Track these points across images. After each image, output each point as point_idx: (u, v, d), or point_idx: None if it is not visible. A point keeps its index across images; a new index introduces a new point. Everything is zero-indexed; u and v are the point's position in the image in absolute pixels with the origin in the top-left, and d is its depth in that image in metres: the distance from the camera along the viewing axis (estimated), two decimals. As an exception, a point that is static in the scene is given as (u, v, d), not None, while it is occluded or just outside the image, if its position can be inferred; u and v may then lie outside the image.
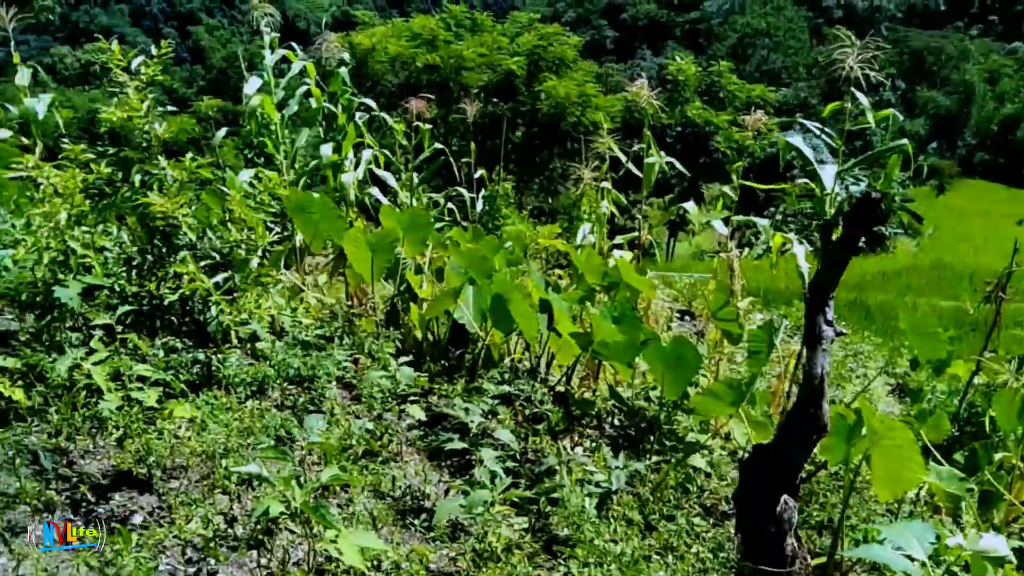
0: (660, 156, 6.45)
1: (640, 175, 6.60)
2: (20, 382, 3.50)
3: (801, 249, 5.65)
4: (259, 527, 2.68)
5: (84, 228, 3.79)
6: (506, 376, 5.06)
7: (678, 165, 6.79)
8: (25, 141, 6.45)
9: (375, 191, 7.61)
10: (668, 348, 4.34)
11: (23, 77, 6.25)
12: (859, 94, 5.13)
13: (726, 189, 6.58)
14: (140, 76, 4.02)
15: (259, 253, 4.63)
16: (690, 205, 6.72)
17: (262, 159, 7.39)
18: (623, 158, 6.62)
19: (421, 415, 4.30)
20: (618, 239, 6.89)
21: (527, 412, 4.67)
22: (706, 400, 4.14)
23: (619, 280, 5.53)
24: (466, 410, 4.02)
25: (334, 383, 4.31)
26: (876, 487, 3.71)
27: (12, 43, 6.17)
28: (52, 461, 3.15)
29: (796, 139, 5.62)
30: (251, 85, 6.12)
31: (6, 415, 3.51)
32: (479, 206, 8.15)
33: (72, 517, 3.07)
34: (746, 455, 5.09)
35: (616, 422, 5.33)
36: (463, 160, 8.19)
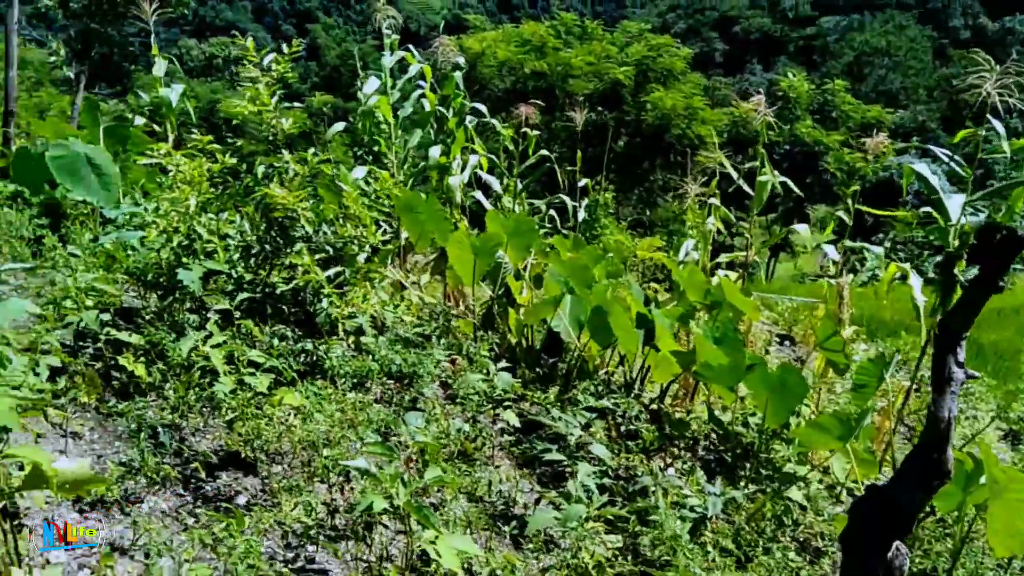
0: (774, 175, 6.27)
1: (749, 192, 6.44)
2: (142, 358, 3.68)
3: (918, 280, 5.38)
4: (359, 520, 2.73)
5: (210, 215, 3.96)
6: (600, 389, 5.02)
7: (792, 186, 6.58)
8: (156, 128, 6.82)
9: (478, 194, 7.68)
10: (774, 375, 4.21)
11: (160, 68, 6.59)
12: (995, 122, 4.85)
13: (840, 213, 6.35)
14: (271, 72, 4.18)
15: (369, 250, 4.74)
16: (802, 228, 6.50)
17: (370, 157, 7.57)
18: (735, 174, 6.47)
19: (515, 421, 4.30)
20: (723, 258, 6.73)
21: (621, 428, 4.61)
22: (812, 432, 3.99)
23: (722, 300, 5.40)
24: (564, 422, 3.99)
25: (435, 382, 4.35)
26: (992, 540, 3.49)
27: (153, 36, 6.52)
28: (168, 437, 3.29)
29: (921, 166, 5.36)
30: (370, 85, 6.27)
31: (127, 388, 3.70)
32: (580, 215, 8.10)
33: (182, 492, 3.21)
34: (848, 491, 4.91)
35: (709, 444, 5.20)
36: (568, 168, 8.17)
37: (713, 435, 5.22)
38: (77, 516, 2.83)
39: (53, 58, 11.11)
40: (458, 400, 4.47)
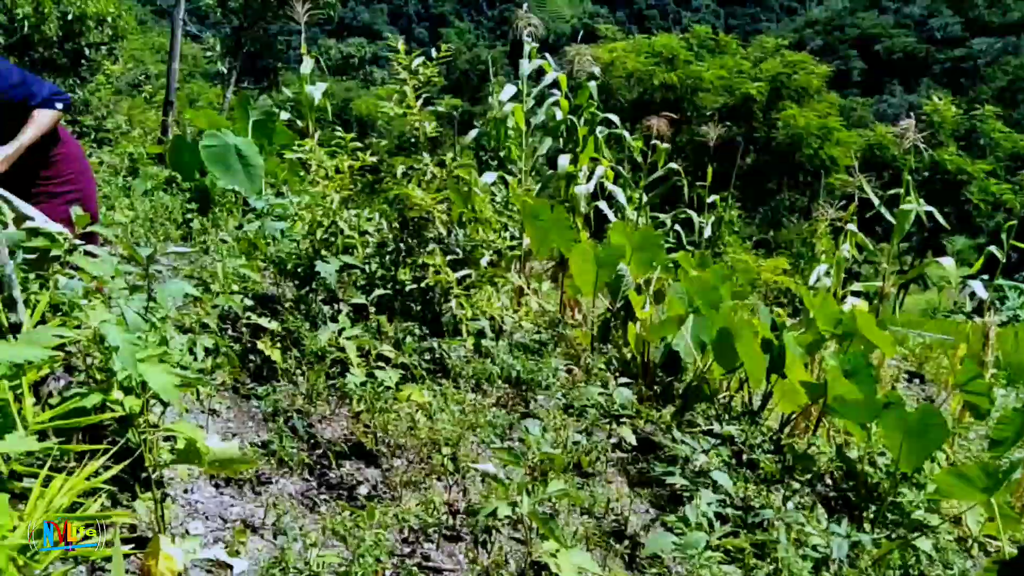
0: (920, 203, 5.94)
1: (889, 220, 6.13)
2: (278, 344, 3.84)
3: (1076, 326, 4.97)
4: (477, 523, 2.74)
5: (351, 212, 4.09)
6: (719, 414, 4.88)
7: (938, 216, 6.21)
8: (298, 123, 7.12)
9: (602, 205, 7.64)
10: (912, 416, 3.96)
11: (307, 66, 6.89)
12: None
13: (993, 249, 5.95)
14: (418, 75, 4.28)
15: (495, 254, 4.79)
16: (947, 261, 6.12)
17: (495, 162, 7.66)
18: (876, 200, 6.17)
19: (631, 438, 4.24)
20: (857, 286, 6.42)
21: (742, 456, 4.46)
22: (952, 480, 3.73)
23: (854, 331, 5.14)
24: (688, 446, 3.90)
25: (554, 390, 4.35)
26: None
27: (303, 35, 6.82)
28: (300, 422, 3.41)
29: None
30: (507, 92, 6.34)
31: (261, 371, 3.87)
32: (707, 232, 7.92)
33: (308, 477, 3.32)
34: (980, 545, 4.58)
35: (831, 481, 4.96)
36: (698, 184, 8.02)
37: (836, 472, 4.98)
38: (213, 491, 2.97)
39: (209, 53, 11.83)
40: (573, 411, 4.44)
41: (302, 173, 6.17)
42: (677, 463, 4.13)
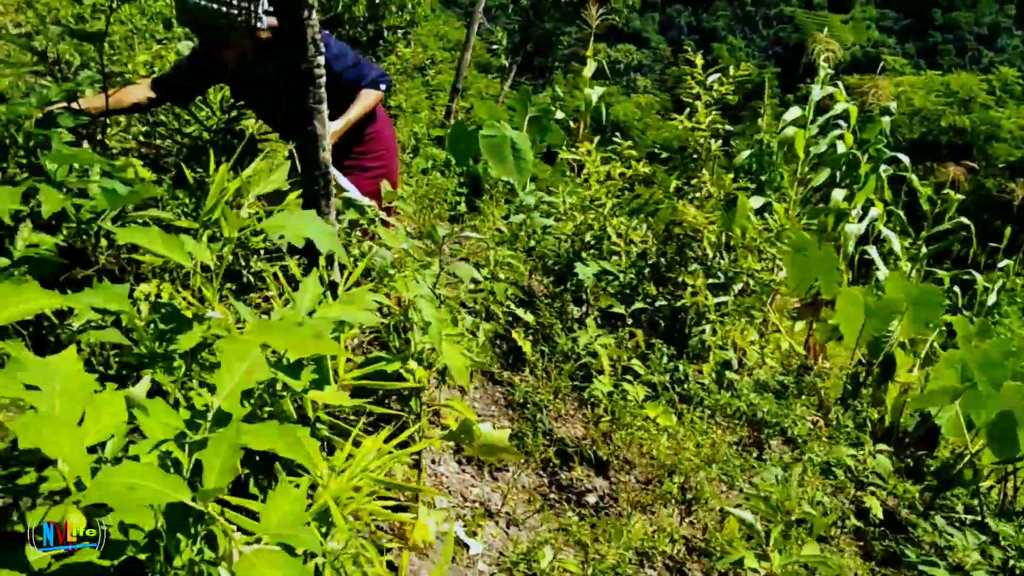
0: None
1: None
2: (530, 337, 3.92)
3: None
4: (715, 567, 2.62)
5: (620, 219, 4.08)
6: (982, 504, 4.32)
7: None
8: (571, 124, 7.25)
9: (872, 250, 7.08)
10: None
11: (590, 69, 6.99)
12: None
13: None
14: (711, 92, 4.17)
15: (756, 284, 4.57)
16: None
17: (754, 185, 7.33)
18: None
19: (879, 511, 3.86)
20: None
21: (1009, 563, 3.91)
22: None
23: None
24: (951, 536, 3.49)
25: (798, 440, 4.08)
26: None
27: (592, 38, 6.93)
28: (545, 416, 3.46)
29: None
30: (790, 114, 6.05)
31: (508, 358, 3.98)
32: (991, 298, 7.07)
33: (541, 473, 3.35)
34: None
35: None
36: (989, 244, 7.18)
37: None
38: (456, 467, 3.09)
39: (495, 46, 12.45)
40: (812, 465, 4.13)
41: (569, 173, 6.28)
42: (929, 550, 3.71)
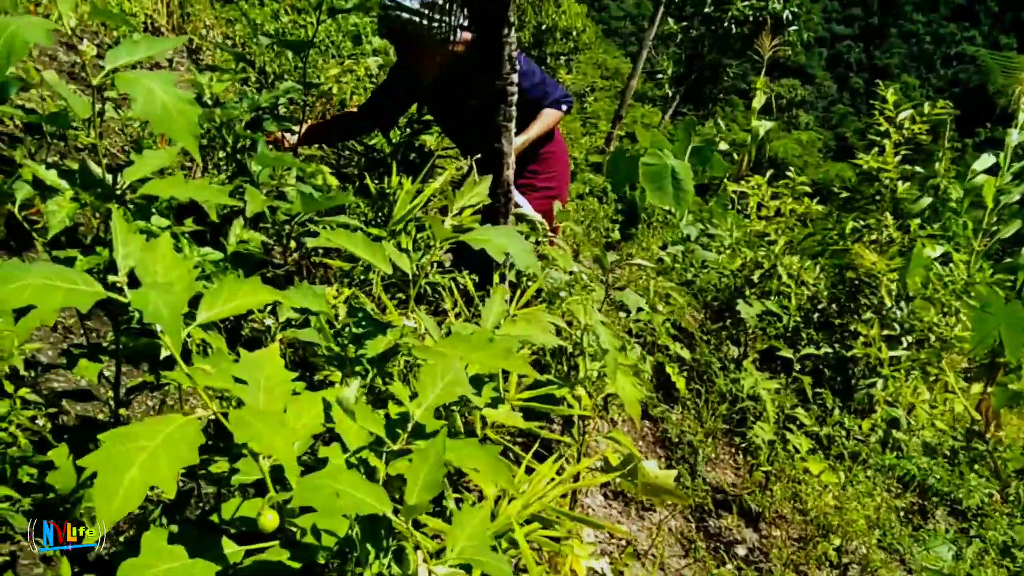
0: None
1: None
2: (684, 373, 3.78)
3: None
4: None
5: (792, 258, 3.88)
6: None
7: None
8: (735, 156, 7.03)
9: (1065, 313, 6.40)
10: None
11: (759, 101, 6.76)
12: None
13: None
14: (902, 131, 3.90)
15: (935, 339, 4.22)
16: None
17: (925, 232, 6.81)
18: None
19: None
20: None
21: None
22: None
23: None
24: None
25: (969, 514, 3.71)
26: None
27: (763, 70, 6.71)
28: (698, 458, 3.32)
29: None
30: (983, 162, 5.59)
31: (657, 392, 3.85)
32: None
33: (688, 518, 3.21)
34: None
35: None
36: None
37: None
38: (602, 500, 3.00)
39: (659, 76, 12.35)
40: (987, 542, 3.74)
41: (731, 207, 6.08)
42: None
